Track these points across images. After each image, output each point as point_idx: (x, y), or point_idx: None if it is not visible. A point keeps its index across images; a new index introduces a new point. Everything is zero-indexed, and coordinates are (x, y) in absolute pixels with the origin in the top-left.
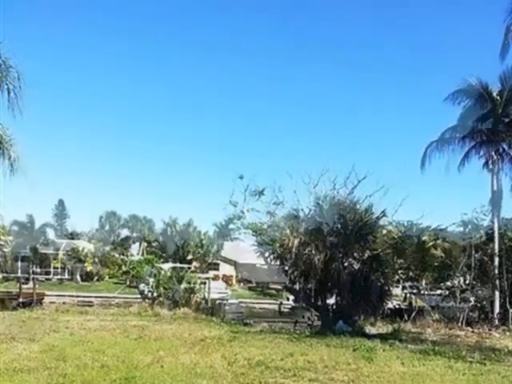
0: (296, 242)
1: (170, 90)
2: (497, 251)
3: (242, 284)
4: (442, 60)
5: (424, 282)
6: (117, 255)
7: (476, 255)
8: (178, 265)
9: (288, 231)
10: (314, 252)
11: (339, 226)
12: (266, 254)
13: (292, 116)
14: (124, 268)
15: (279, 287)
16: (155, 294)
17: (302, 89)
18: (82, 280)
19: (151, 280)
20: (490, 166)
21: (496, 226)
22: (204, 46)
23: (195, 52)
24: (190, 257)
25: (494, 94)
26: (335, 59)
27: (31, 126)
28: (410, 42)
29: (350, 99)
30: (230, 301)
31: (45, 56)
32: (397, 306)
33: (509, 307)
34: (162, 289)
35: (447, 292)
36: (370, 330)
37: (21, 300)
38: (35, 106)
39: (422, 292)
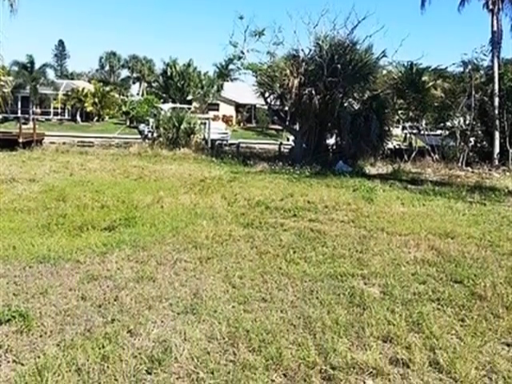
0: (296, 82)
1: None
2: (497, 91)
3: (241, 124)
4: None
5: (424, 122)
6: (117, 95)
7: (476, 95)
8: (178, 105)
9: (288, 71)
10: (313, 92)
11: (339, 66)
12: (266, 95)
13: None
14: (124, 108)
15: (279, 127)
16: (155, 135)
17: None
18: (82, 120)
19: (151, 120)
20: (490, 7)
21: (496, 66)
22: None
23: None
24: (189, 97)
25: None
26: None
27: None
28: None
29: None
30: (229, 141)
31: None
32: (397, 147)
33: (508, 147)
34: (161, 129)
35: (447, 132)
36: (369, 170)
37: (21, 140)
38: None
39: (422, 132)
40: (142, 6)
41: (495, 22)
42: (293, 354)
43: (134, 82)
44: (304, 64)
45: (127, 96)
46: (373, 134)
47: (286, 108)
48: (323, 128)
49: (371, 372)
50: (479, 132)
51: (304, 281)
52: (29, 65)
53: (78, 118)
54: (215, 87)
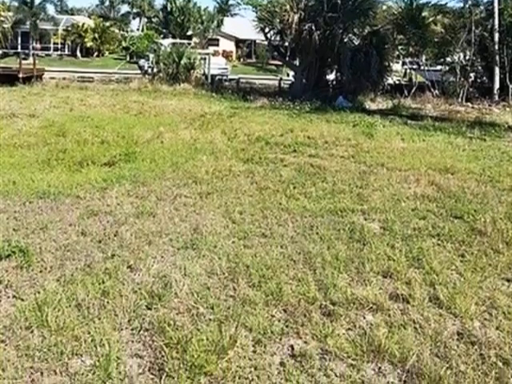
0: (296, 17)
1: None
2: (497, 27)
3: (241, 60)
4: None
5: (424, 57)
6: (117, 31)
7: (476, 31)
8: (178, 40)
9: (288, 7)
10: (313, 28)
11: (339, 1)
12: (266, 30)
13: None
14: (124, 44)
15: (279, 63)
16: (155, 70)
17: None
18: (82, 56)
19: (151, 56)
20: None
21: (496, 1)
22: None
23: None
24: (189, 32)
25: None
26: None
27: None
28: None
29: None
30: (229, 76)
31: None
32: (397, 82)
33: (508, 83)
34: (161, 64)
35: (447, 68)
36: (369, 105)
37: (21, 76)
38: None
39: (422, 68)
40: None
41: None
42: (293, 290)
43: (134, 18)
44: None
45: (127, 31)
46: (373, 70)
47: (286, 43)
48: (323, 63)
49: (371, 307)
50: (479, 67)
51: (304, 216)
52: (28, 0)
53: (78, 53)
54: (215, 22)
